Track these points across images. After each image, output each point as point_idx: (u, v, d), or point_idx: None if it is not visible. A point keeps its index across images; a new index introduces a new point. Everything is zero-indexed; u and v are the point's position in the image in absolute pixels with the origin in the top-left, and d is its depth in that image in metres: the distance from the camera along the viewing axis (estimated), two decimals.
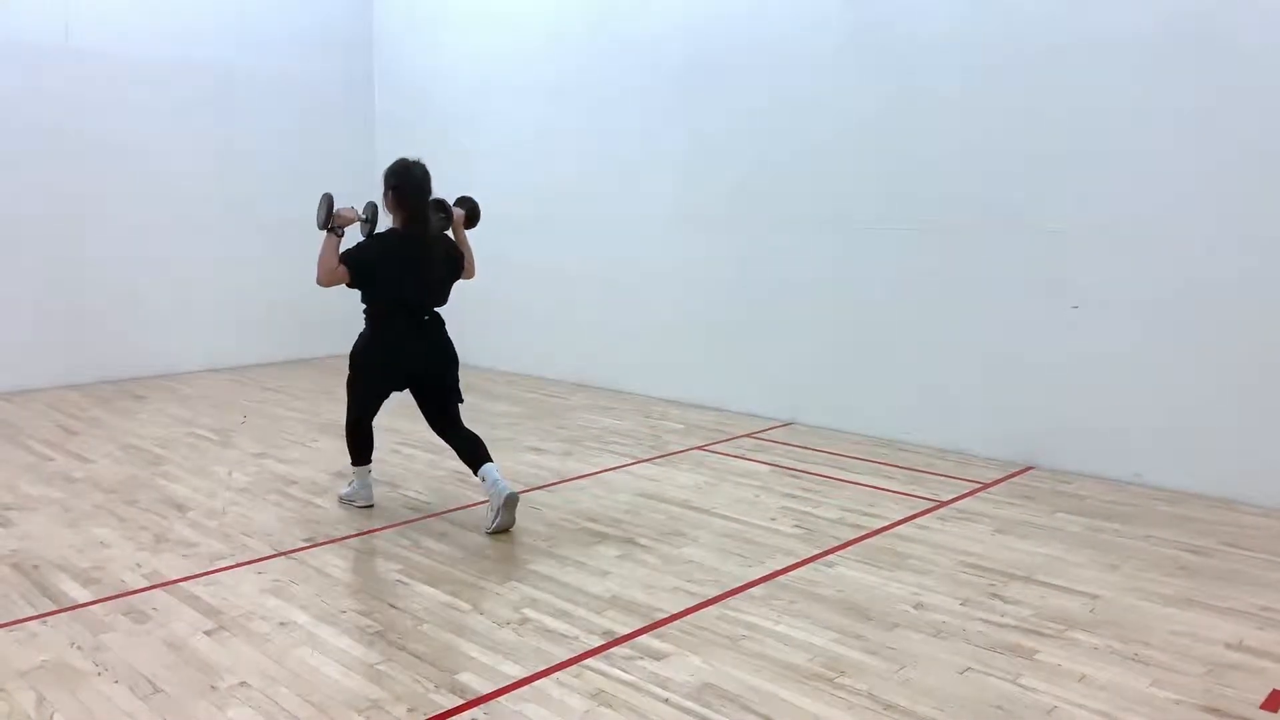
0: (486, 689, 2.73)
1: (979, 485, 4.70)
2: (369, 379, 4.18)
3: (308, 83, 8.26)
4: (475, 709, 2.62)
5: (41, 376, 6.98)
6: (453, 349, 4.24)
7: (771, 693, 2.72)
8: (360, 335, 4.18)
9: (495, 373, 7.73)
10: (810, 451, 5.34)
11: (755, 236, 6.11)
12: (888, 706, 2.65)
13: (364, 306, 4.13)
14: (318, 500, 4.48)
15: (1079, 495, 4.54)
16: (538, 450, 5.38)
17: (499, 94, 7.64)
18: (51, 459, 5.15)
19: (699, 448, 5.43)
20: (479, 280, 8.26)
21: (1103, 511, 4.30)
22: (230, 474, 4.87)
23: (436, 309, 4.19)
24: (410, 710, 2.61)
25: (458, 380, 4.25)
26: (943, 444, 5.35)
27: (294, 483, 4.74)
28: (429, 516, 4.25)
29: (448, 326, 4.24)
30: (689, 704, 2.65)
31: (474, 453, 4.12)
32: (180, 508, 4.35)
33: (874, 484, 4.72)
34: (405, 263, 4.00)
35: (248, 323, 8.03)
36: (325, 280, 3.98)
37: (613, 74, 6.81)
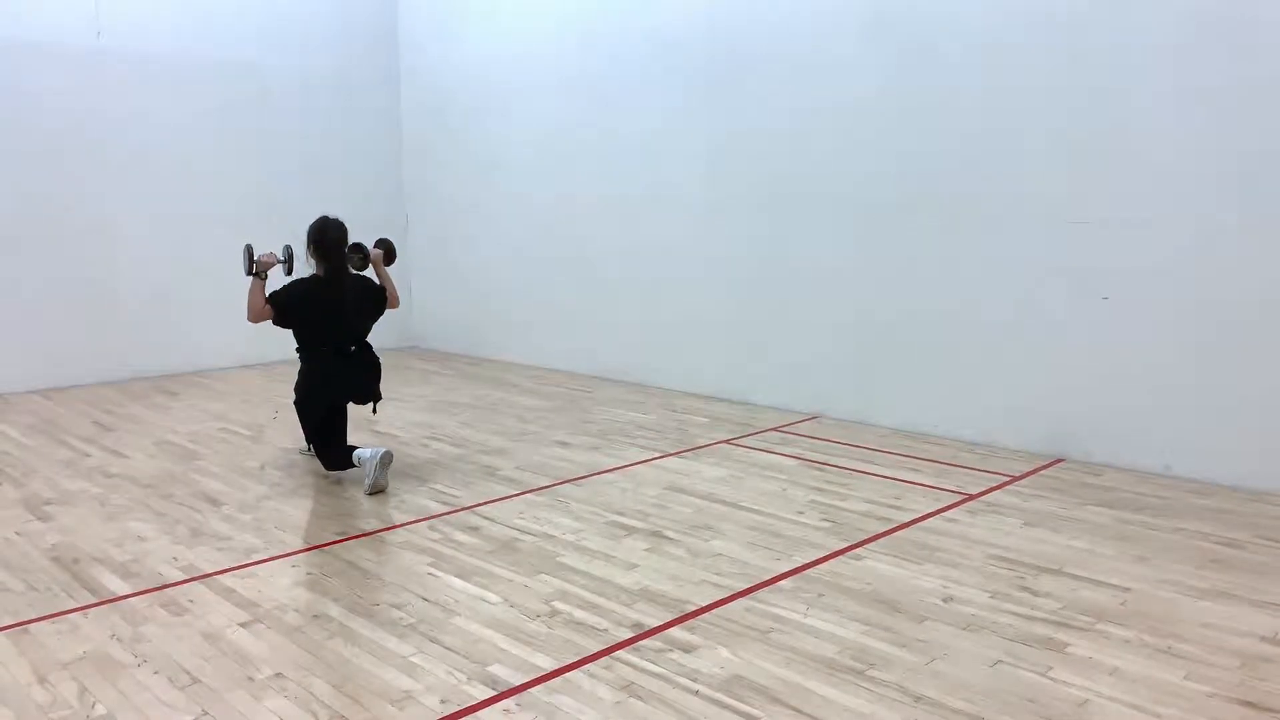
0: (518, 680, 2.76)
1: (1007, 478, 4.68)
2: (313, 406, 4.68)
3: (335, 80, 8.32)
4: (507, 700, 2.65)
5: (78, 374, 7.10)
6: (378, 362, 4.83)
7: (801, 685, 2.73)
8: (299, 373, 4.75)
9: (521, 367, 7.77)
10: (837, 445, 5.34)
11: (780, 229, 6.10)
12: (918, 699, 2.65)
13: (296, 346, 4.71)
14: (348, 494, 4.53)
15: (1109, 487, 4.51)
16: (565, 444, 5.41)
17: (524, 89, 7.66)
18: (89, 454, 5.25)
19: (725, 441, 5.44)
20: (503, 275, 8.33)
21: (1133, 504, 4.27)
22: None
23: (362, 340, 4.79)
24: (443, 701, 2.65)
25: (379, 389, 4.91)
26: (970, 437, 5.32)
27: (324, 477, 4.79)
28: (459, 510, 4.29)
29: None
30: (719, 695, 2.67)
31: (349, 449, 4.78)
32: (214, 502, 4.42)
33: (901, 477, 4.71)
34: (327, 305, 4.62)
35: None
36: (253, 318, 4.58)
37: (638, 68, 6.81)
